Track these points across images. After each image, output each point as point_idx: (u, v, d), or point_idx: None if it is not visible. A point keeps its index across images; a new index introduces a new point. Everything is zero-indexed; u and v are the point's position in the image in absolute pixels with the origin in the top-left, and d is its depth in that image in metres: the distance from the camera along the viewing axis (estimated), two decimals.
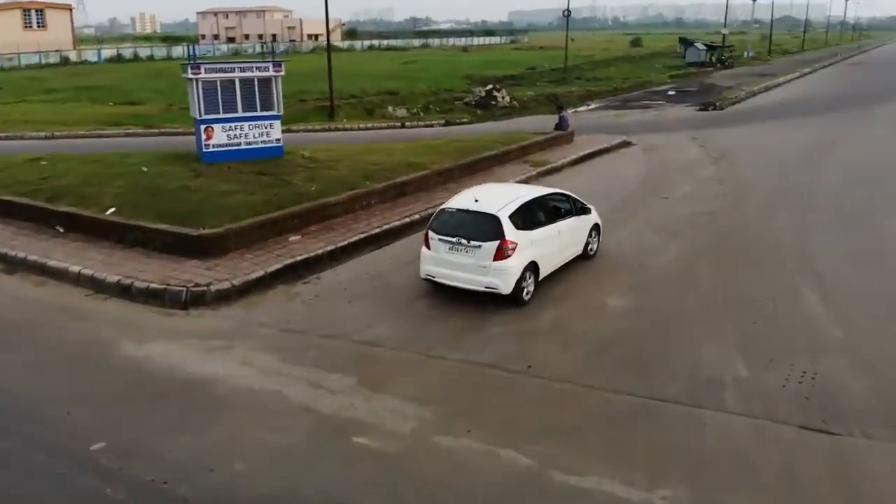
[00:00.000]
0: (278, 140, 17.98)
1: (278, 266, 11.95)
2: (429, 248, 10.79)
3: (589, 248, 12.59)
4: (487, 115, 34.10)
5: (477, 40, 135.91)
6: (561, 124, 24.52)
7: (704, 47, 62.94)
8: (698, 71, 58.81)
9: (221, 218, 13.14)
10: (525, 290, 10.60)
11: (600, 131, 27.21)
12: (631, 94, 44.58)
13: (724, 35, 65.93)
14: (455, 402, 8.17)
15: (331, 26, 36.72)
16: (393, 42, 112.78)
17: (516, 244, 10.28)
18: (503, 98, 36.27)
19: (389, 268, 12.43)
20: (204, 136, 17.27)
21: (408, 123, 32.04)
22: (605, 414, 7.96)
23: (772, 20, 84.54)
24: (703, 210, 16.14)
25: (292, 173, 16.37)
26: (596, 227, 12.74)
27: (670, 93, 44.73)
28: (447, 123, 32.31)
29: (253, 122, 17.52)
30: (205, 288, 11.12)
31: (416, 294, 11.20)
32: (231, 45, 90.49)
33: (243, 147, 17.51)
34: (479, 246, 10.26)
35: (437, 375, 8.78)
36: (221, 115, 17.20)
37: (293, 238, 13.20)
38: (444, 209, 11.00)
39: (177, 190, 15.00)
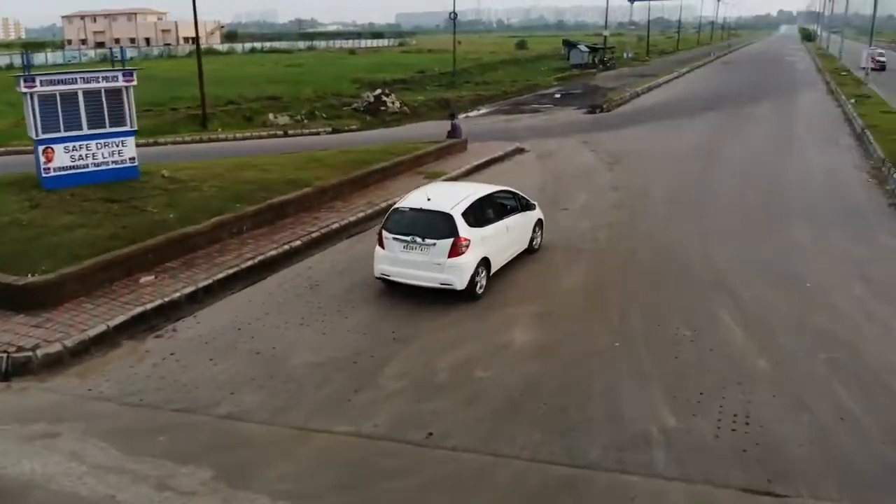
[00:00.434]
0: (132, 159, 15.74)
1: (124, 317, 9.91)
2: (383, 247, 10.90)
3: (534, 242, 12.99)
4: (377, 122, 32.57)
5: (364, 42, 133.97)
6: (454, 132, 23.35)
7: (587, 49, 64.03)
8: (582, 72, 59.65)
9: (57, 259, 10.93)
10: (479, 285, 10.83)
11: (493, 138, 26.30)
12: (520, 97, 44.28)
13: (605, 37, 67.34)
14: (340, 496, 6.60)
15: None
16: (277, 44, 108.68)
17: (469, 241, 10.52)
18: (393, 103, 34.84)
19: (261, 311, 10.63)
20: (43, 159, 14.82)
21: (291, 132, 30.01)
22: (522, 491, 6.63)
23: (648, 22, 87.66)
24: (603, 222, 15.28)
25: (148, 198, 14.23)
26: (539, 222, 13.17)
27: (557, 95, 44.78)
28: (335, 131, 30.53)
29: (101, 140, 15.23)
30: (29, 353, 8.98)
31: (293, 343, 9.53)
32: (99, 51, 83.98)
33: (91, 169, 15.18)
34: (434, 243, 10.46)
35: (316, 458, 7.15)
36: (63, 134, 14.87)
37: (145, 279, 11.14)
38: (397, 208, 11.12)
39: (4, 226, 12.57)
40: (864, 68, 40.75)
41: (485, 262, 10.89)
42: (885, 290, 11.24)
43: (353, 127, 31.36)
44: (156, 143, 25.86)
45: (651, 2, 77.68)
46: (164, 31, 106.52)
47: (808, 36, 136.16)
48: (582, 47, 64.04)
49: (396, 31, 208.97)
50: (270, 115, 32.23)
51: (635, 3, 74.85)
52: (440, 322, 10.14)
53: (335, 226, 14.57)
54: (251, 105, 34.91)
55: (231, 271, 11.70)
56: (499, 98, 43.19)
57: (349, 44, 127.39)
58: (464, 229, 10.52)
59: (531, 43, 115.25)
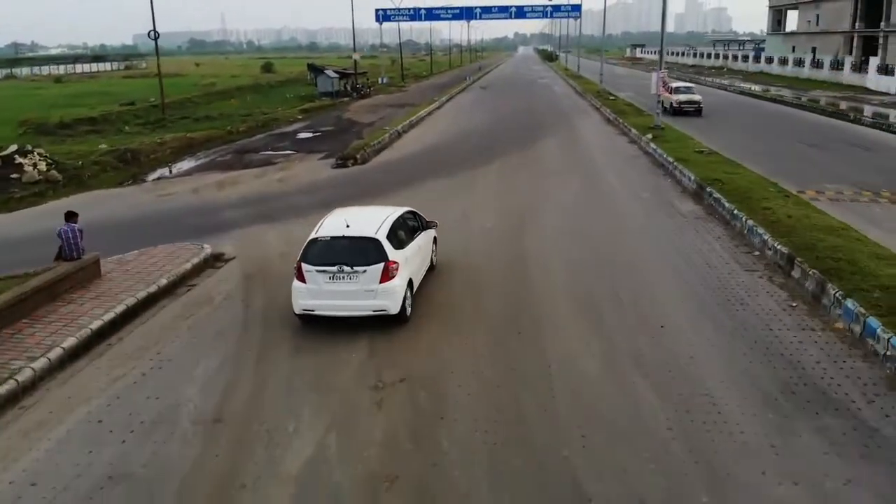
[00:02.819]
0: None
1: None
2: (304, 281, 9.99)
3: (433, 260, 12.63)
4: None
5: (82, 67, 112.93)
6: (68, 250, 11.85)
7: (336, 75, 54.64)
8: (334, 102, 50.13)
9: None
10: (408, 308, 10.38)
11: (177, 229, 15.51)
12: (251, 138, 33.32)
13: (355, 60, 58.51)
14: None
15: None
16: None
17: (398, 264, 10.09)
18: (34, 167, 22.10)
19: None
20: None
21: None
22: None
23: (400, 44, 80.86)
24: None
25: None
26: (434, 239, 12.78)
27: (301, 135, 34.57)
28: None
29: None
30: None
31: None
32: None
33: None
34: (365, 270, 9.89)
35: None
36: None
37: None
38: (315, 239, 10.35)
39: None
40: (658, 102, 29.20)
41: (409, 284, 10.49)
42: None
43: None
44: None
45: (400, 23, 70.54)
46: None
47: (548, 56, 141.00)
48: (330, 72, 54.50)
49: (128, 53, 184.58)
50: None
51: (384, 25, 67.19)
52: None
53: None
54: None
55: None
56: (219, 142, 31.86)
57: (61, 69, 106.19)
58: (391, 252, 10.07)
59: (280, 66, 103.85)
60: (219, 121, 39.13)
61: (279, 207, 18.62)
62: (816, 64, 64.46)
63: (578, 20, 74.15)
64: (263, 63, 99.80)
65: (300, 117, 41.68)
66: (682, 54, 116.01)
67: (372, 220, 10.63)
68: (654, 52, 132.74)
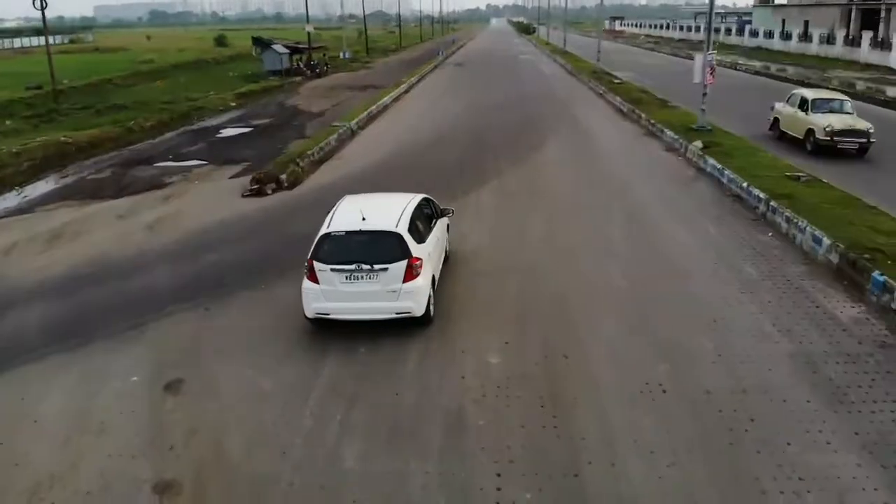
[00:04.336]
0: None
1: None
2: (316, 281, 8.73)
3: (447, 250, 11.14)
4: None
5: (20, 42, 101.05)
6: None
7: (286, 50, 45.50)
8: (282, 82, 41.19)
9: None
10: (431, 309, 9.09)
11: None
12: (155, 139, 24.59)
13: (308, 33, 49.33)
14: None
15: None
16: None
17: (421, 260, 8.83)
18: None
19: None
20: None
21: None
22: None
23: (364, 16, 71.39)
24: None
25: None
26: (448, 226, 11.28)
27: (225, 132, 25.94)
28: None
29: None
30: None
31: None
32: None
33: None
34: (386, 269, 8.62)
35: None
36: None
37: None
38: (328, 234, 8.94)
39: None
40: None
41: (433, 281, 9.28)
42: None
43: None
44: None
45: None
46: None
47: (525, 29, 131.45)
48: (278, 47, 45.30)
49: (80, 26, 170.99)
50: None
51: None
52: None
53: None
54: None
55: None
56: (108, 146, 23.07)
57: None
58: (414, 248, 8.81)
59: (236, 39, 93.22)
60: (129, 111, 30.20)
61: (111, 304, 10.35)
62: (826, 39, 56.80)
63: None
64: (216, 36, 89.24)
65: (233, 104, 32.84)
66: (665, 27, 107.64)
67: (390, 211, 9.26)
68: (635, 25, 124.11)
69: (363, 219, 8.98)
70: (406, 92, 37.23)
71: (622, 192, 15.61)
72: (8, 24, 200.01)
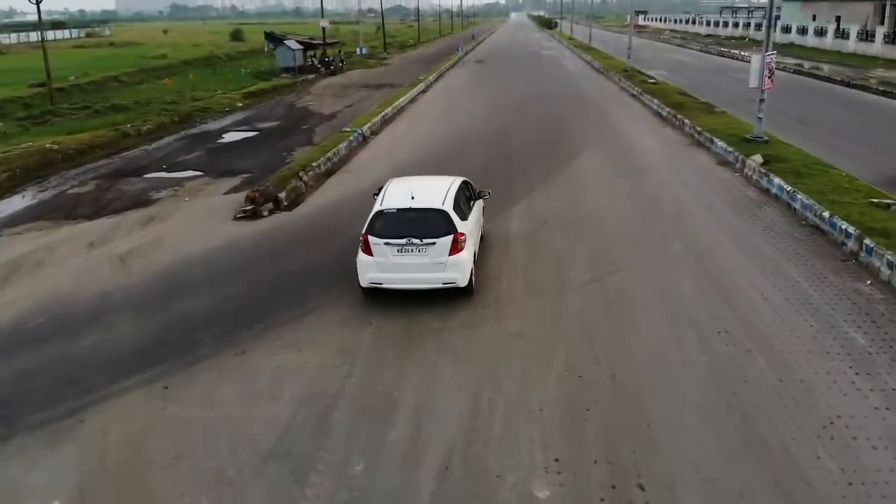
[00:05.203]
0: None
1: None
2: (371, 254, 9.47)
3: (483, 229, 11.69)
4: None
5: (37, 35, 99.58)
6: None
7: (300, 46, 43.27)
8: (294, 80, 39.03)
9: None
10: (472, 281, 9.72)
11: None
12: (152, 145, 22.48)
13: (323, 28, 47.09)
14: None
15: None
16: None
17: (465, 235, 9.59)
18: None
19: None
20: None
21: None
22: None
23: (382, 10, 68.98)
24: None
25: None
26: (483, 209, 11.81)
27: (228, 137, 23.79)
28: None
29: None
30: None
31: None
32: None
33: None
34: (434, 243, 9.35)
35: None
36: None
37: None
38: (381, 211, 9.66)
39: None
40: (762, 94, 17.66)
41: (474, 256, 10.01)
42: None
43: None
44: None
45: None
46: None
47: (547, 23, 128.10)
48: (292, 43, 43.09)
49: (102, 19, 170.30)
50: None
51: None
52: None
53: None
54: None
55: None
56: (99, 153, 20.99)
57: (13, 38, 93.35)
58: (459, 224, 9.56)
59: (253, 33, 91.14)
60: (129, 112, 28.21)
61: (51, 376, 8.15)
62: (864, 36, 53.48)
63: None
64: (233, 30, 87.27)
65: (240, 105, 30.70)
66: (690, 21, 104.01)
67: (436, 191, 9.98)
68: (659, 20, 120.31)
69: (412, 198, 9.66)
70: (424, 92, 34.87)
71: (678, 221, 13.17)
72: (30, 18, 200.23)
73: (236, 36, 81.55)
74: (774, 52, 17.61)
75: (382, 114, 26.03)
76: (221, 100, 31.36)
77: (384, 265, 9.38)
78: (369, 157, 19.91)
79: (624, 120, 24.55)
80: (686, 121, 21.77)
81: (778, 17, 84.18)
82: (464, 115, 26.55)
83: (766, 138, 17.89)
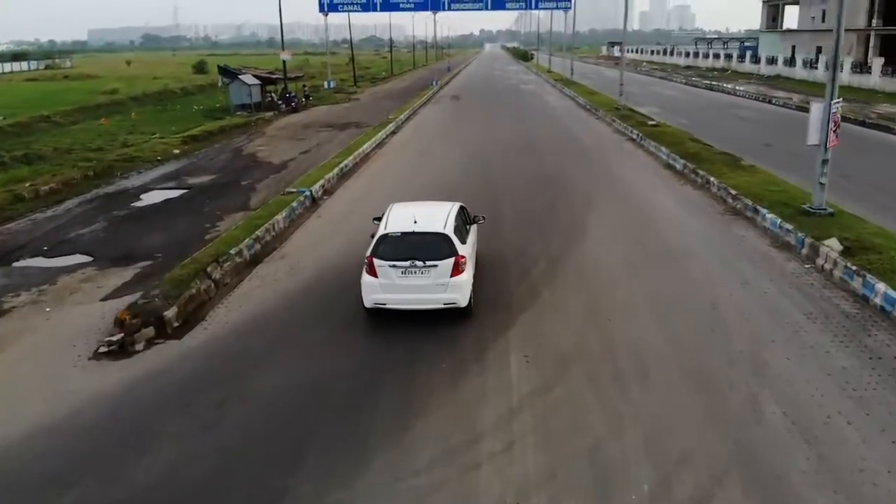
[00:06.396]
0: None
1: None
2: (375, 275, 9.73)
3: (477, 253, 11.67)
4: None
5: (6, 66, 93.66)
6: None
7: (257, 81, 38.69)
8: (249, 119, 34.45)
9: None
10: (472, 301, 9.98)
11: None
12: (49, 211, 17.66)
13: (283, 61, 42.69)
14: None
15: None
16: None
17: (465, 257, 9.91)
18: None
19: None
20: None
21: None
22: None
23: (351, 41, 64.93)
24: None
25: None
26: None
27: (147, 199, 19.04)
28: None
29: None
30: None
31: None
32: None
33: None
34: (437, 265, 9.65)
35: None
36: None
37: None
38: (386, 235, 9.97)
39: None
40: (825, 153, 13.57)
41: (473, 277, 10.26)
42: None
43: None
44: None
45: (352, 14, 54.43)
46: None
47: (522, 56, 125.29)
48: (247, 78, 38.48)
49: (74, 50, 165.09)
50: None
51: (334, 18, 51.58)
52: None
53: None
54: None
55: None
56: None
57: None
58: (460, 247, 9.88)
59: (224, 63, 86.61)
60: (41, 163, 23.45)
61: None
62: (859, 69, 50.59)
63: (563, 13, 59.35)
64: (197, 62, 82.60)
65: (177, 152, 25.96)
66: (667, 52, 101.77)
67: (437, 216, 10.31)
68: (635, 51, 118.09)
69: (415, 222, 9.98)
70: (394, 133, 30.51)
71: (758, 360, 8.70)
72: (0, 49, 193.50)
73: (200, 68, 76.91)
74: (840, 99, 13.39)
75: (342, 165, 21.56)
76: (156, 146, 26.61)
77: (388, 286, 9.62)
78: (313, 232, 15.27)
79: (631, 174, 20.24)
80: (712, 179, 17.51)
81: (749, 47, 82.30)
82: (437, 168, 22.09)
83: (830, 210, 13.67)
